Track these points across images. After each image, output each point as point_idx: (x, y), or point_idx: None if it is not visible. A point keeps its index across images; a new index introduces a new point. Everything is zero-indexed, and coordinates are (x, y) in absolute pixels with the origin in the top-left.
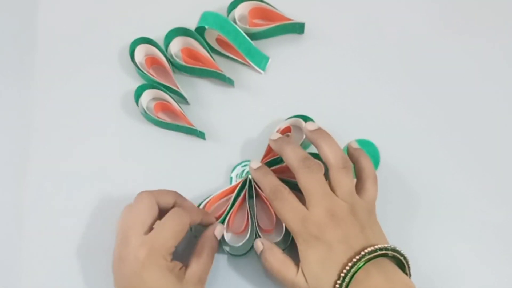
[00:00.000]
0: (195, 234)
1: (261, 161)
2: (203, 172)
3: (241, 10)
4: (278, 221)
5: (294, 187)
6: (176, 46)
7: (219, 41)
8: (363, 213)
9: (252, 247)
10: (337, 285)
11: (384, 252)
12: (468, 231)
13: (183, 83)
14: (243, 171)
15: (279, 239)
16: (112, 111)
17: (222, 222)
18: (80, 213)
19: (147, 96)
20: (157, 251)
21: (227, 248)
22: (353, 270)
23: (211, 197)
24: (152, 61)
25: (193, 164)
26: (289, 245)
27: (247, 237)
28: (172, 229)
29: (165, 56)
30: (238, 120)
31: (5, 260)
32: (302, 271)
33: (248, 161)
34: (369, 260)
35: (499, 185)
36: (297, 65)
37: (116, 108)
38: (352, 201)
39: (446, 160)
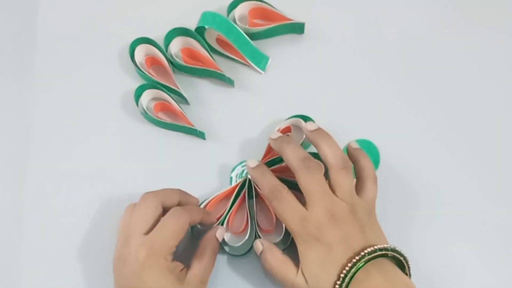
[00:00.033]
0: (196, 235)
1: (261, 161)
2: (203, 172)
3: (241, 10)
4: (278, 222)
5: (294, 187)
6: (176, 46)
7: (219, 41)
8: (363, 213)
9: (251, 247)
10: (337, 286)
11: (384, 252)
12: (468, 231)
13: (183, 83)
14: (243, 171)
15: (278, 239)
16: (112, 111)
17: (222, 222)
18: (80, 213)
19: (147, 96)
20: (157, 251)
21: (226, 248)
22: (353, 270)
23: (211, 198)
24: (152, 61)
25: (193, 164)
26: (289, 246)
27: (247, 237)
28: (171, 229)
29: (165, 56)
30: (238, 120)
31: (5, 260)
32: (302, 271)
33: None
34: (369, 260)
35: (499, 185)
36: (297, 65)
37: (116, 108)
38: (352, 201)
39: (446, 160)
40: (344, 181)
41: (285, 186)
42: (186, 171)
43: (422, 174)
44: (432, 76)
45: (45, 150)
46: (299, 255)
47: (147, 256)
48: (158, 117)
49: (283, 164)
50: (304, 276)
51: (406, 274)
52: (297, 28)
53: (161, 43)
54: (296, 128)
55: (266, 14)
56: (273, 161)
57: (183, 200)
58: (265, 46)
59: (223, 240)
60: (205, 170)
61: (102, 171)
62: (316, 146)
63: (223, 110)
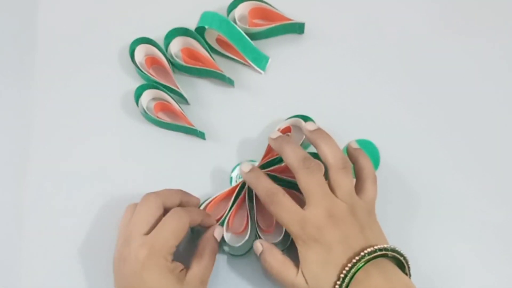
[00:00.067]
0: (196, 236)
1: (261, 161)
2: (203, 172)
3: (241, 10)
4: (278, 222)
5: (294, 187)
6: (176, 46)
7: (219, 41)
8: (363, 214)
9: (251, 248)
10: (337, 286)
11: (383, 252)
12: (468, 231)
13: (183, 83)
14: None
15: (278, 239)
16: (112, 111)
17: (222, 222)
18: (80, 213)
19: (147, 96)
20: (157, 251)
21: (226, 248)
22: (352, 270)
23: (211, 199)
24: (152, 61)
25: (193, 164)
26: (289, 246)
27: (247, 237)
28: (171, 229)
29: (165, 56)
30: (238, 120)
31: (5, 260)
32: (302, 272)
33: (249, 161)
34: (368, 260)
35: (499, 185)
36: (297, 65)
37: (116, 108)
38: (351, 202)
39: (446, 160)
40: (344, 181)
41: (281, 189)
42: (186, 171)
43: (422, 174)
44: (432, 76)
45: (45, 150)
46: (299, 256)
47: (147, 256)
48: (158, 117)
49: (283, 164)
50: (304, 277)
51: (406, 274)
52: (297, 28)
53: (161, 43)
54: (296, 128)
55: (266, 14)
56: (273, 161)
57: (184, 201)
58: (265, 46)
59: (223, 240)
60: (205, 170)
61: (102, 171)
62: (315, 146)
63: (223, 110)
